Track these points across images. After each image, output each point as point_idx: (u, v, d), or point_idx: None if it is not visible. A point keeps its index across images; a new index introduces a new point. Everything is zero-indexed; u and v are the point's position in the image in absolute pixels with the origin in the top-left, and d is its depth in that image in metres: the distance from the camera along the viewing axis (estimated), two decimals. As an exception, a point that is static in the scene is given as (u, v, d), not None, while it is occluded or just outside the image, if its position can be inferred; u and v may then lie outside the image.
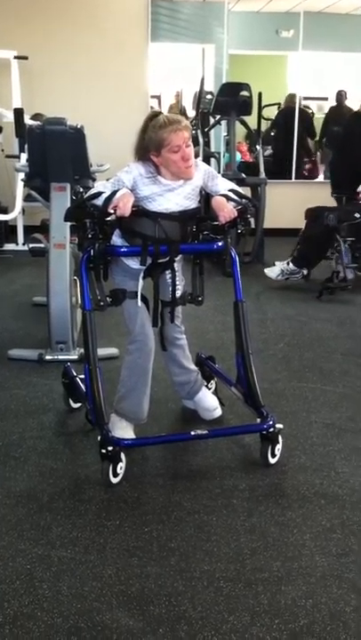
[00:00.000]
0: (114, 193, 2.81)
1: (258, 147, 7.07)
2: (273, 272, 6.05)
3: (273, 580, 2.25)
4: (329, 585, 2.23)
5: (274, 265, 6.11)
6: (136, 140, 2.92)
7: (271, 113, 8.84)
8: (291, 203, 8.19)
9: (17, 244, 7.49)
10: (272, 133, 9.09)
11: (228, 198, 2.96)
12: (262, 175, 6.86)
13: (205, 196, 3.06)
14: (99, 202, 2.83)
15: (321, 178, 8.97)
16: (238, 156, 7.05)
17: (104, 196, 2.82)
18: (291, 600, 2.16)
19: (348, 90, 8.82)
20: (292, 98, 8.78)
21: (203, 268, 3.21)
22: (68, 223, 2.97)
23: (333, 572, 2.29)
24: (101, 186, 2.92)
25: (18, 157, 6.68)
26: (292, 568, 2.31)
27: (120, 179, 2.88)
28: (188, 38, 8.59)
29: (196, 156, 6.84)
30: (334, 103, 8.99)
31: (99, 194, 2.85)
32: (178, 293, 3.10)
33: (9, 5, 7.74)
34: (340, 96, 8.89)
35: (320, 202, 6.39)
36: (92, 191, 2.94)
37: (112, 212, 2.79)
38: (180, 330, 3.25)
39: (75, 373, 3.37)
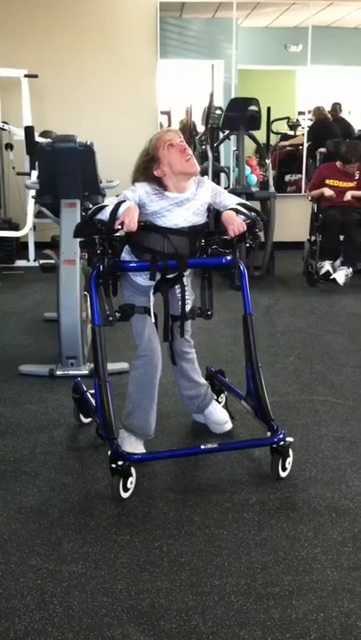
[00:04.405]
0: (118, 205, 2.82)
1: (267, 161, 7.10)
2: None
3: (284, 595, 2.24)
4: (340, 599, 2.22)
5: None
6: (137, 163, 2.99)
7: (281, 127, 8.87)
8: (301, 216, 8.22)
9: (28, 261, 7.54)
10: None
11: (238, 212, 2.98)
12: (272, 189, 6.89)
13: (215, 212, 3.08)
14: (103, 216, 2.85)
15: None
16: (248, 170, 7.09)
17: (108, 209, 2.84)
18: (302, 614, 2.15)
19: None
20: (321, 111, 8.68)
21: (212, 282, 3.22)
22: (78, 239, 3.00)
23: (345, 586, 2.28)
24: (108, 202, 2.94)
25: (28, 175, 6.73)
26: (303, 582, 2.30)
27: (126, 196, 2.90)
28: (198, 54, 8.65)
29: (206, 172, 6.92)
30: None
31: (102, 207, 2.87)
32: (187, 308, 3.11)
33: (19, 24, 7.84)
34: (335, 110, 8.84)
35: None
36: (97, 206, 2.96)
37: (119, 227, 2.81)
38: (189, 344, 3.25)
39: (85, 388, 3.38)
